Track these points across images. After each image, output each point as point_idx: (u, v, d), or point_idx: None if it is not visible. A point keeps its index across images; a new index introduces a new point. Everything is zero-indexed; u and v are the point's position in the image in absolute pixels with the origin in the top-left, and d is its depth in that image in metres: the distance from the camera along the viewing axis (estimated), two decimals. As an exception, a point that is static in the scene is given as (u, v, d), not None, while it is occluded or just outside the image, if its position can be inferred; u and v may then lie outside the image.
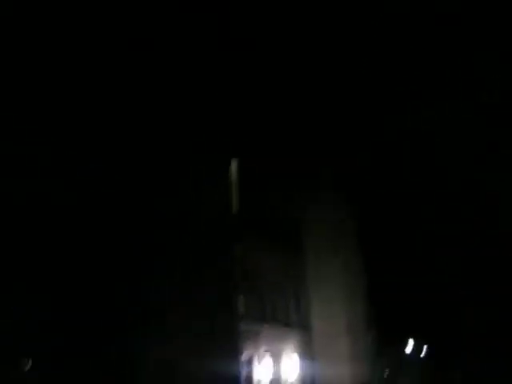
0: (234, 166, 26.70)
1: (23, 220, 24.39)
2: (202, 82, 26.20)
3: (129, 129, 25.70)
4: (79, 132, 25.22)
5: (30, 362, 23.76)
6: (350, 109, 33.04)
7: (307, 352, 32.48)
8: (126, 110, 25.64)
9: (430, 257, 40.61)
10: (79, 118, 25.39)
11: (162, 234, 25.25)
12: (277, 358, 28.61)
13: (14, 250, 24.24)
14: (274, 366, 28.09)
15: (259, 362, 26.57)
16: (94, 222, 24.75)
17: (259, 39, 27.59)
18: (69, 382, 23.33)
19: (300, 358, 31.00)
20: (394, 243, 39.26)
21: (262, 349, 27.00)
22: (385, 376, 39.46)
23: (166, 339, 24.03)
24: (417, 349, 42.72)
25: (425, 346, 43.74)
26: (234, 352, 24.58)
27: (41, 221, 24.45)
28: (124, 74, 25.64)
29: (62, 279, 24.41)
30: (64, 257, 24.57)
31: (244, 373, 25.28)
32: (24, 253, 24.20)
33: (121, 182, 25.26)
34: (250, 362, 25.92)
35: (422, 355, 43.84)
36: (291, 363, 29.86)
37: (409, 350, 42.00)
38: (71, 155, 24.89)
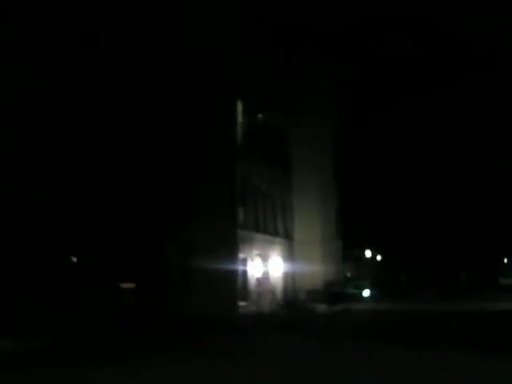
0: (239, 106, 32.11)
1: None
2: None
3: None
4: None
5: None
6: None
7: (289, 255, 39.32)
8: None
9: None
10: None
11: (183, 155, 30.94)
12: (266, 259, 34.60)
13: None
14: (263, 265, 34.05)
15: (252, 262, 32.14)
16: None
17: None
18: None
19: (283, 259, 37.62)
20: (364, 165, 45.14)
21: (255, 252, 32.73)
22: (348, 275, 47.05)
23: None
24: (373, 256, 50.49)
25: (379, 255, 51.83)
26: (233, 253, 29.83)
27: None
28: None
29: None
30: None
31: (240, 269, 30.67)
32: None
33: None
34: (245, 261, 31.34)
35: (376, 260, 51.96)
36: (277, 263, 36.49)
37: (367, 255, 49.70)
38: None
